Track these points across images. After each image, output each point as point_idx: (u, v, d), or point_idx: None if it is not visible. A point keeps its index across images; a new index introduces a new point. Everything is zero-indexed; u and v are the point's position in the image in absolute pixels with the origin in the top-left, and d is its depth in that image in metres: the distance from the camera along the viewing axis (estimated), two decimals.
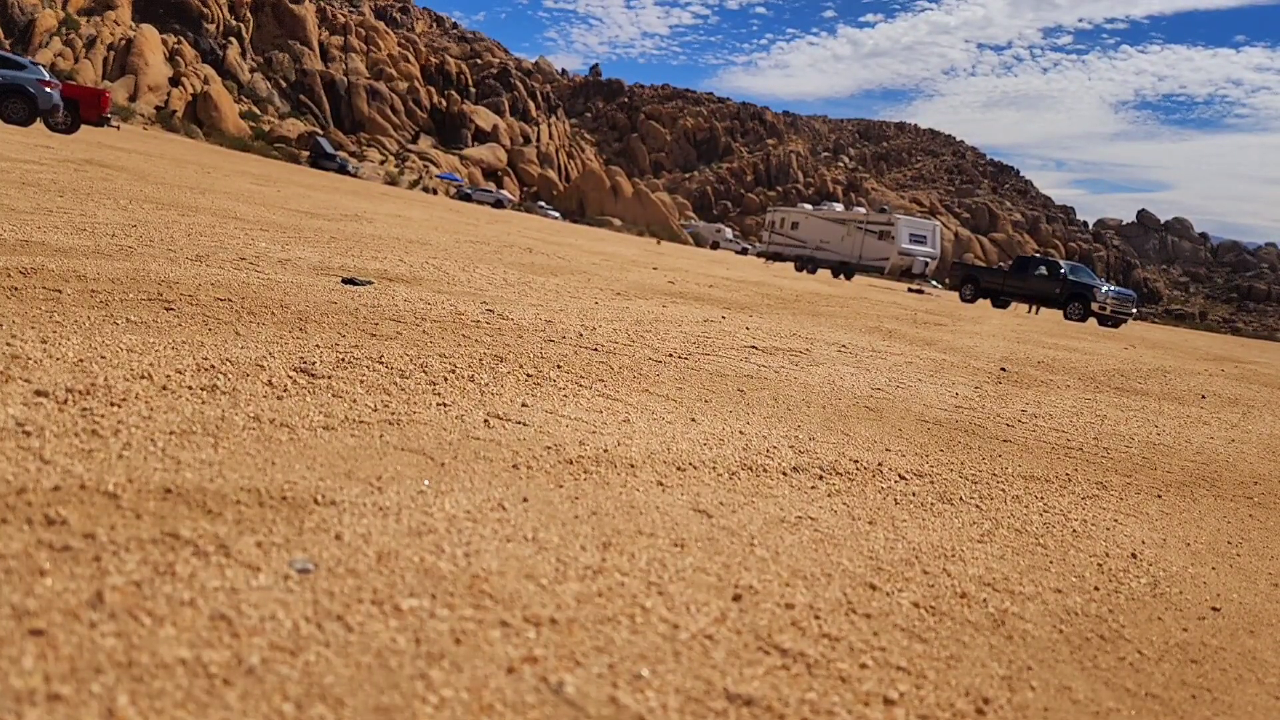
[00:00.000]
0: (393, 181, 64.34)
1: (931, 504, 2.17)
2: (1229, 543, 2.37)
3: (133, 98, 67.06)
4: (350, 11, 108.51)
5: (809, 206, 34.07)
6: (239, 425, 1.75)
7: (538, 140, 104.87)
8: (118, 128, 31.47)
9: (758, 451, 2.33)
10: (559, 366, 2.98)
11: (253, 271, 3.86)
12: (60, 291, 2.75)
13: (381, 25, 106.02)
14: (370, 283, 4.11)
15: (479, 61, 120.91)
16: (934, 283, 36.33)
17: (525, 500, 1.62)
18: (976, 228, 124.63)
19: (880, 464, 2.45)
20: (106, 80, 66.35)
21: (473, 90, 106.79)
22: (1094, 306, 20.91)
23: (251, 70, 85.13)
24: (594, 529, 1.54)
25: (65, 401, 1.71)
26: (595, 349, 3.47)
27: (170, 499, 1.34)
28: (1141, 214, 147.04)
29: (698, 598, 1.34)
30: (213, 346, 2.37)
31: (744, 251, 54.38)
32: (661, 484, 1.89)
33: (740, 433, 2.52)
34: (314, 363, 2.38)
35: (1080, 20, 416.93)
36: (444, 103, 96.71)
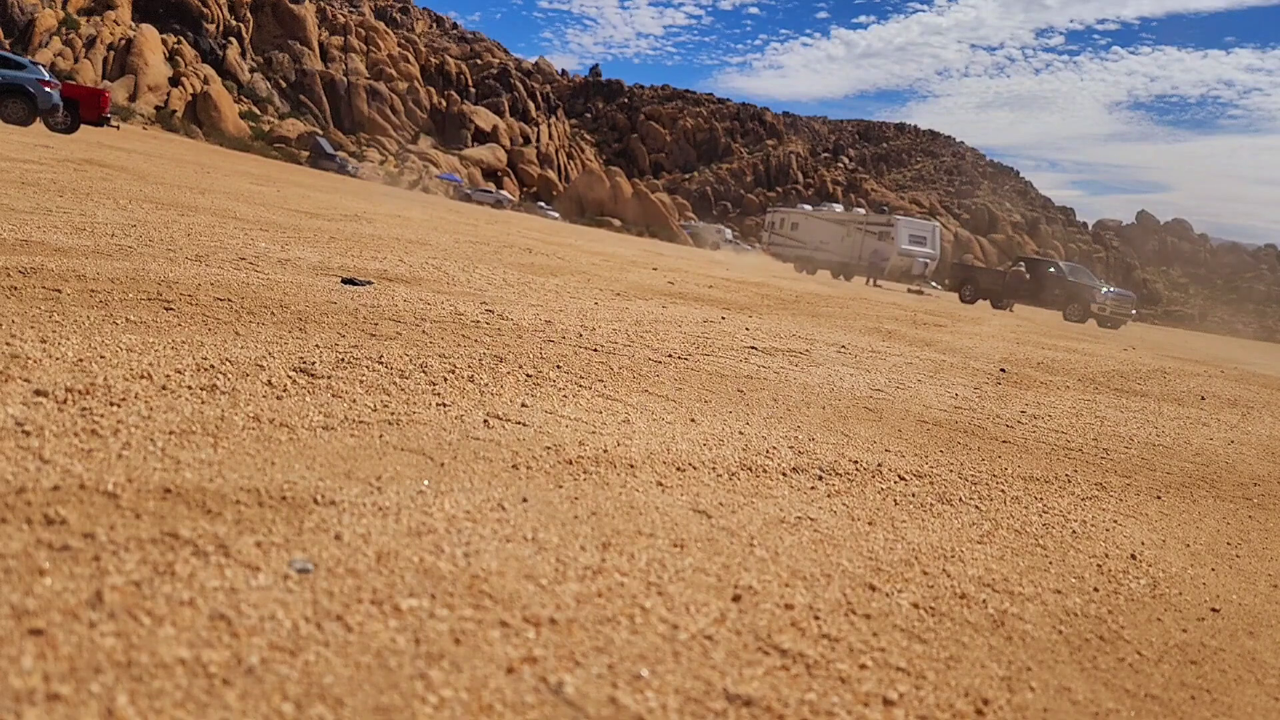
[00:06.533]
0: (392, 182, 64.35)
1: (931, 505, 2.17)
2: (1228, 544, 2.37)
3: (132, 98, 67.06)
4: (350, 11, 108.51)
5: (808, 207, 34.08)
6: (238, 425, 1.75)
7: (537, 141, 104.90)
8: (117, 128, 31.47)
9: (757, 452, 2.33)
10: (559, 367, 2.97)
11: (252, 271, 3.86)
12: (60, 291, 2.74)
13: (381, 25, 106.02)
14: (370, 283, 4.11)
15: (479, 62, 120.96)
16: (933, 283, 36.37)
17: (525, 500, 1.62)
18: (976, 229, 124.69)
19: (880, 464, 2.45)
20: (106, 80, 66.35)
21: (473, 90, 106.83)
22: (1093, 308, 20.97)
23: (251, 70, 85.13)
24: (593, 529, 1.54)
25: (65, 401, 1.70)
26: (595, 349, 3.47)
27: (170, 499, 1.34)
28: (1141, 215, 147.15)
29: (697, 598, 1.34)
30: (212, 346, 2.37)
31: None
32: (661, 484, 1.89)
33: (740, 433, 2.52)
34: (314, 363, 2.38)
35: (1071, 21, 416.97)
36: (444, 103, 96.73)
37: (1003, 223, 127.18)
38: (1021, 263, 23.52)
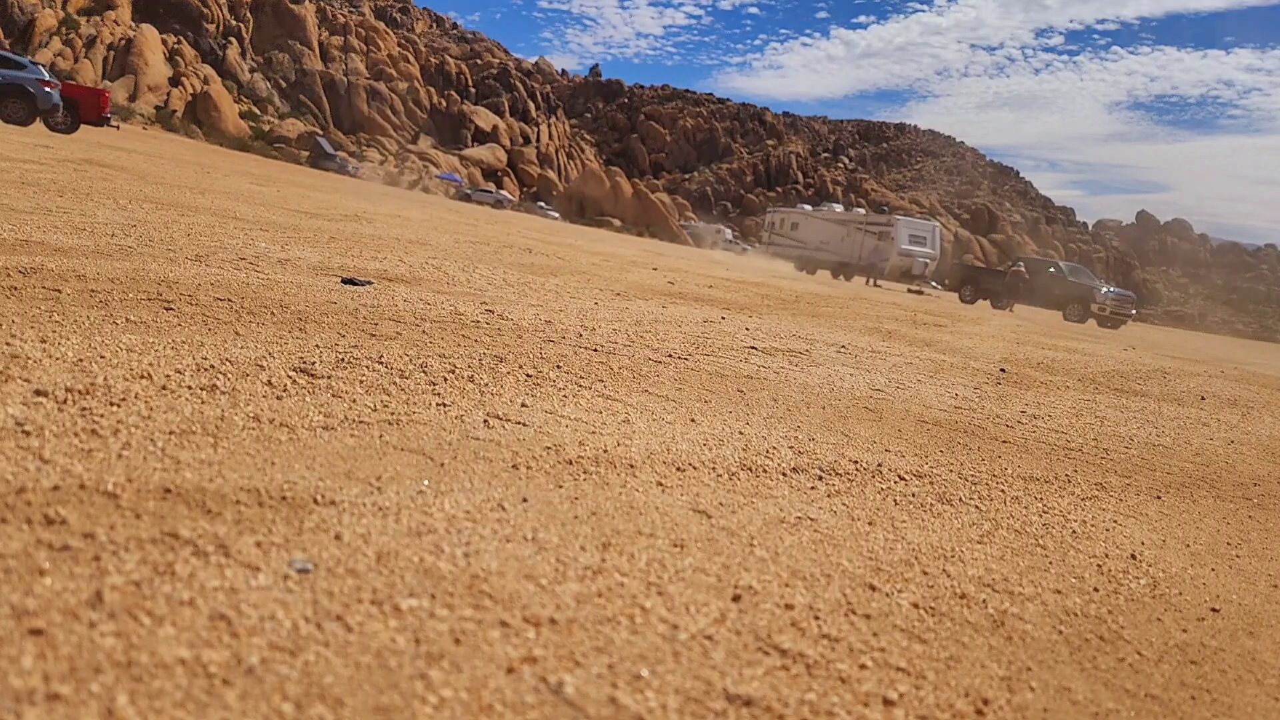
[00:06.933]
0: (392, 182, 64.33)
1: (931, 505, 2.17)
2: (1228, 544, 2.37)
3: (132, 98, 67.08)
4: (350, 11, 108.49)
5: (808, 207, 34.08)
6: (238, 425, 1.75)
7: (537, 141, 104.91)
8: (117, 128, 31.47)
9: (757, 452, 2.33)
10: (559, 367, 2.97)
11: (252, 271, 3.86)
12: (60, 291, 2.74)
13: (381, 25, 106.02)
14: (370, 283, 4.11)
15: (479, 62, 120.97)
16: (933, 283, 36.40)
17: (525, 500, 1.62)
18: (976, 229, 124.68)
19: (880, 464, 2.45)
20: (106, 80, 66.37)
21: (473, 90, 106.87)
22: (1093, 308, 21.00)
23: (251, 70, 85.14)
24: (593, 529, 1.54)
25: (65, 401, 1.70)
26: (595, 349, 3.47)
27: (170, 499, 1.34)
28: (1141, 215, 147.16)
29: (697, 598, 1.34)
30: (212, 346, 2.37)
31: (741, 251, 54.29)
32: (661, 484, 1.89)
33: (740, 433, 2.52)
34: (314, 363, 2.38)
35: (1071, 21, 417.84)
36: (444, 103, 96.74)
37: (1003, 223, 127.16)
38: (1021, 263, 23.54)
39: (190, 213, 6.11)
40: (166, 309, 2.76)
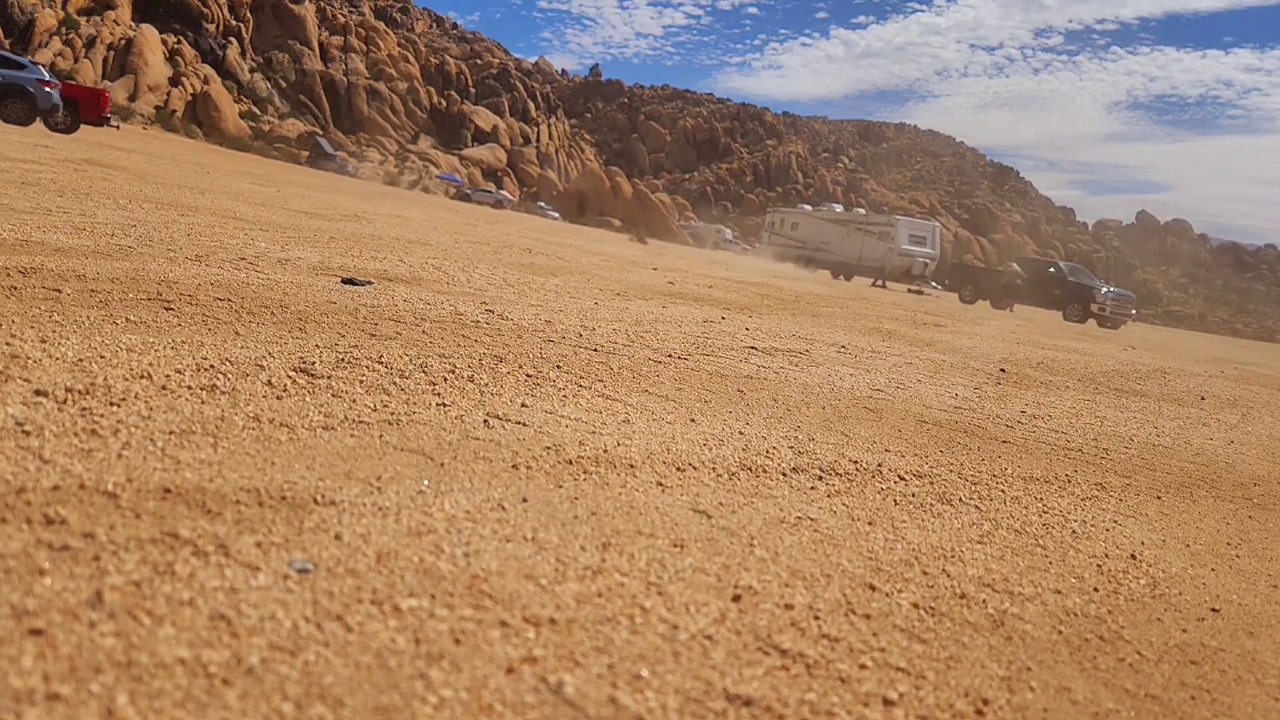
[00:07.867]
0: (392, 182, 64.29)
1: (931, 505, 2.17)
2: (1228, 544, 2.37)
3: (132, 98, 67.04)
4: (350, 11, 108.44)
5: (808, 207, 34.08)
6: (238, 425, 1.75)
7: (537, 141, 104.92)
8: (117, 128, 31.43)
9: (757, 452, 2.33)
10: (559, 367, 2.97)
11: (252, 271, 3.86)
12: (60, 291, 2.74)
13: (381, 25, 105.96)
14: (370, 283, 4.11)
15: (479, 62, 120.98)
16: (933, 283, 36.41)
17: (525, 500, 1.62)
18: (976, 229, 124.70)
19: (880, 465, 2.45)
20: (106, 80, 66.32)
21: (473, 90, 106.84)
22: (1093, 308, 21.03)
23: (251, 70, 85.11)
24: (593, 529, 1.54)
25: (65, 401, 1.70)
26: (595, 349, 3.47)
27: (170, 499, 1.34)
28: (1141, 215, 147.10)
29: (697, 598, 1.34)
30: (212, 346, 2.37)
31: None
32: (661, 484, 1.89)
33: (740, 433, 2.52)
34: (313, 363, 2.38)
35: (1070, 21, 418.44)
36: (444, 103, 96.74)
37: (1003, 223, 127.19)
38: (1021, 263, 23.57)
39: (190, 212, 6.11)
40: (166, 309, 2.76)
